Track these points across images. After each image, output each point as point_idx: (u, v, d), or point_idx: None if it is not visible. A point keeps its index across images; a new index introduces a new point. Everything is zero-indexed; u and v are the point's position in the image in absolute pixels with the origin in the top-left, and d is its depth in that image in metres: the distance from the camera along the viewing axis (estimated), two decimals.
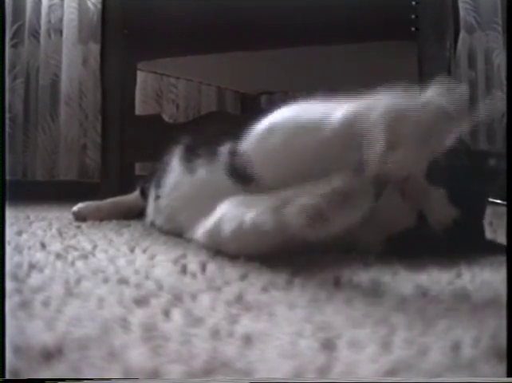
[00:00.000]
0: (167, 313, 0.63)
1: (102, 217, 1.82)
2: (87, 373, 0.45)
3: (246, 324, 0.59)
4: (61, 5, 3.16)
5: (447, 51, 2.02)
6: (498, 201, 2.60)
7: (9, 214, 1.70)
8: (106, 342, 0.53)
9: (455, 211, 1.05)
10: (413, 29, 2.01)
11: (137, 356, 0.49)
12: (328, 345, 0.52)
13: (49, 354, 0.48)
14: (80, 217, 1.82)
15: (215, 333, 0.56)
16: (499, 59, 3.07)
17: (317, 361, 0.48)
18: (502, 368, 0.48)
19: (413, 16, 2.01)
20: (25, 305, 0.66)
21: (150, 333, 0.56)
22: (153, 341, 0.53)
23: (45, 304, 0.67)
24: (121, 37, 2.41)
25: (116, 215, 1.84)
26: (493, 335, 0.55)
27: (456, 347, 0.52)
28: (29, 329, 0.56)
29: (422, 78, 2.03)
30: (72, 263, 0.97)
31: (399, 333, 0.56)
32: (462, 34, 2.98)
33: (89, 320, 0.60)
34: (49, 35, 3.20)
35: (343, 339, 0.54)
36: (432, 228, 1.05)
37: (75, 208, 1.85)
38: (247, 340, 0.54)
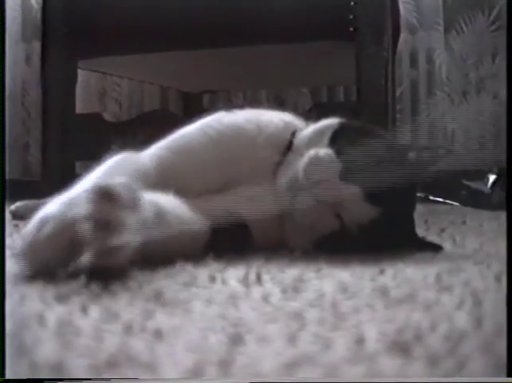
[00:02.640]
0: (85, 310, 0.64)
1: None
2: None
3: None
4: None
5: (385, 51, 2.04)
6: (439, 199, 2.65)
7: None
8: None
9: (374, 209, 1.06)
10: (351, 29, 2.03)
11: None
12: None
13: None
14: (17, 216, 1.81)
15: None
16: (440, 59, 3.12)
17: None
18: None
19: (351, 16, 2.03)
20: None
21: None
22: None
23: None
24: (62, 35, 2.39)
25: None
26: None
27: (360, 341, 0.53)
28: None
29: (359, 78, 2.05)
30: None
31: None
32: (404, 34, 3.02)
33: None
34: None
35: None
36: (349, 228, 1.06)
37: (12, 207, 1.84)
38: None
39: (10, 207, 1.84)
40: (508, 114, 1.12)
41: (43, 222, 0.81)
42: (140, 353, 0.49)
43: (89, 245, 0.75)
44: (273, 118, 1.23)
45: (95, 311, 0.63)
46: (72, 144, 2.41)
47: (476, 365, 0.47)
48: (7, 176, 2.92)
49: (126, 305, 0.66)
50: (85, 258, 0.77)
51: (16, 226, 1.61)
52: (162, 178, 1.11)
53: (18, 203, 1.87)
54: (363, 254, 1.02)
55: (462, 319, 0.60)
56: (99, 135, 2.40)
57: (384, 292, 0.74)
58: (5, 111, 2.71)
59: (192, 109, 3.34)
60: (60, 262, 0.78)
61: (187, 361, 0.47)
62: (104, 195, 0.76)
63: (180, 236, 0.95)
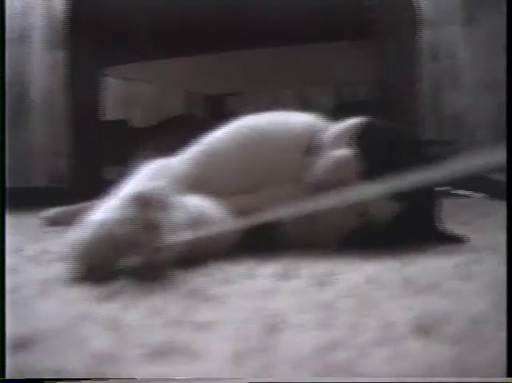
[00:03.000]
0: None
1: (71, 222, 1.84)
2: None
3: None
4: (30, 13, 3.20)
5: (406, 47, 2.07)
6: (464, 192, 2.67)
7: None
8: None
9: (396, 206, 1.10)
10: (371, 27, 2.05)
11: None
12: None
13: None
14: (48, 222, 1.84)
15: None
16: (461, 53, 3.15)
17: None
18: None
19: (371, 15, 2.06)
20: None
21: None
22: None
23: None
24: (87, 43, 2.43)
25: None
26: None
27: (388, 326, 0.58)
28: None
29: (382, 76, 2.08)
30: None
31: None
32: (424, 30, 3.04)
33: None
34: (19, 42, 3.23)
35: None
36: (374, 226, 1.10)
37: (43, 214, 1.88)
38: None
39: (41, 214, 1.88)
40: (508, 113, 1.14)
41: (91, 226, 0.87)
42: (187, 344, 0.54)
43: (135, 246, 0.81)
44: (297, 120, 1.27)
45: (143, 307, 0.67)
46: (99, 151, 2.46)
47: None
48: (42, 184, 2.96)
49: (171, 301, 0.70)
50: (134, 259, 0.83)
51: (47, 233, 1.64)
52: (197, 181, 1.16)
53: (49, 210, 1.90)
54: (389, 249, 1.05)
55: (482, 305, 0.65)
56: (126, 141, 2.44)
57: (409, 282, 0.79)
58: (6, 116, 2.75)
59: (218, 112, 3.37)
60: (109, 264, 0.84)
61: (229, 349, 0.52)
62: (143, 200, 0.81)
63: (213, 236, 0.99)
